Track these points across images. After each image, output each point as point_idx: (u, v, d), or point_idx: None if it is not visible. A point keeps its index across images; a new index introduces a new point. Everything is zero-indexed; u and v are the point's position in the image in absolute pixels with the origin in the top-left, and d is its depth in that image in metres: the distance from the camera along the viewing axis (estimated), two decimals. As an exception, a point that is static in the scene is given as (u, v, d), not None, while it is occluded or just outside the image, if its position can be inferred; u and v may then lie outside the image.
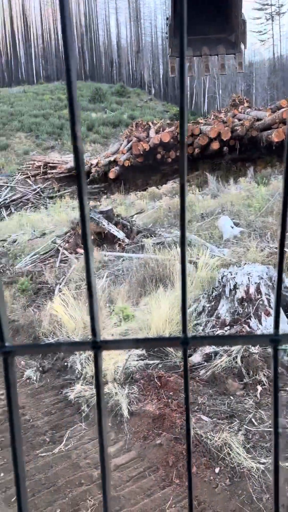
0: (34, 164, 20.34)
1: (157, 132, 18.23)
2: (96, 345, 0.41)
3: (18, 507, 0.42)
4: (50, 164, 19.77)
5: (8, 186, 17.65)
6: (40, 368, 4.57)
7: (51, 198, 16.75)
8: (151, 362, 4.32)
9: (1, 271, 7.68)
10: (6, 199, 16.34)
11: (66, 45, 0.38)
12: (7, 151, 27.31)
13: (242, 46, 3.93)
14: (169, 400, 3.63)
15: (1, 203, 15.98)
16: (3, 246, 9.31)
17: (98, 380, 0.43)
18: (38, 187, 17.66)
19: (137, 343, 0.45)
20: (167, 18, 4.19)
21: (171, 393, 3.73)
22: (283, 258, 0.44)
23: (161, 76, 60.19)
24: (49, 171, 19.16)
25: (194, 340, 0.46)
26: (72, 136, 0.38)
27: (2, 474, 3.16)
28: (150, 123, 20.47)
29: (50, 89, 43.07)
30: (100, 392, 0.43)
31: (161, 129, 18.43)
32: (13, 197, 16.53)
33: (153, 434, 3.34)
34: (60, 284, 6.50)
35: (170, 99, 52.65)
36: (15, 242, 9.48)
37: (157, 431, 3.36)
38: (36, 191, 17.29)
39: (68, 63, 0.36)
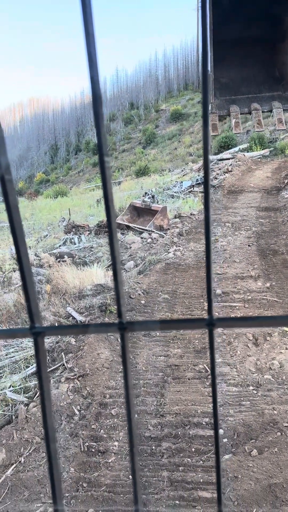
0: None
1: None
2: (122, 326, 0.42)
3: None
4: None
5: None
6: None
7: None
8: None
9: None
10: None
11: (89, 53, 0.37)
12: None
13: None
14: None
15: None
16: None
17: (125, 358, 0.45)
18: None
19: (162, 324, 0.46)
20: None
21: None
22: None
23: None
24: None
25: (220, 321, 0.47)
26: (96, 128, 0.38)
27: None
28: None
29: None
30: (127, 369, 0.45)
31: None
32: None
33: None
34: None
35: None
36: None
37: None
38: None
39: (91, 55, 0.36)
